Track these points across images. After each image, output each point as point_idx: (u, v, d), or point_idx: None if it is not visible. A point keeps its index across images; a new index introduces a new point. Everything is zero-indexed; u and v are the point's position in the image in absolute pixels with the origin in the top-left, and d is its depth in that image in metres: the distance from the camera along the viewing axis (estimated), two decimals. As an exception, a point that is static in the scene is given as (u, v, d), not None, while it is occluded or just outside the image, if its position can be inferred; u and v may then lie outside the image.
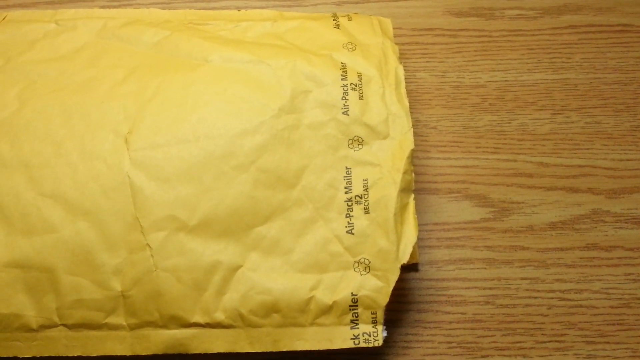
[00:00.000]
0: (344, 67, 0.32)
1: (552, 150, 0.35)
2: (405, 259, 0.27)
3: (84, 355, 0.26)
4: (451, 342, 0.29)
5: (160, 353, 0.26)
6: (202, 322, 0.27)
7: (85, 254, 0.27)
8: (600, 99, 0.36)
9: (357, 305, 0.27)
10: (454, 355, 0.29)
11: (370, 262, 0.28)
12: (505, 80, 0.37)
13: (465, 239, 0.32)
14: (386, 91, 0.31)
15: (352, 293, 0.27)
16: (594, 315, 0.30)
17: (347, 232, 0.28)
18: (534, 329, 0.30)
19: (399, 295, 0.30)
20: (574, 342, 0.29)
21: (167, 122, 0.30)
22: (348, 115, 0.30)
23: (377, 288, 0.27)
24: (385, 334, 0.27)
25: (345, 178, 0.29)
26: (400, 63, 0.32)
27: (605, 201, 0.33)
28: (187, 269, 0.27)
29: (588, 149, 0.35)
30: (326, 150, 0.30)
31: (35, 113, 0.30)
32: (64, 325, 0.27)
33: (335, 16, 0.36)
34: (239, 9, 0.40)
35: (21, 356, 0.27)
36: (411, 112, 0.36)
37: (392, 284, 0.27)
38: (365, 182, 0.29)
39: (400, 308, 0.30)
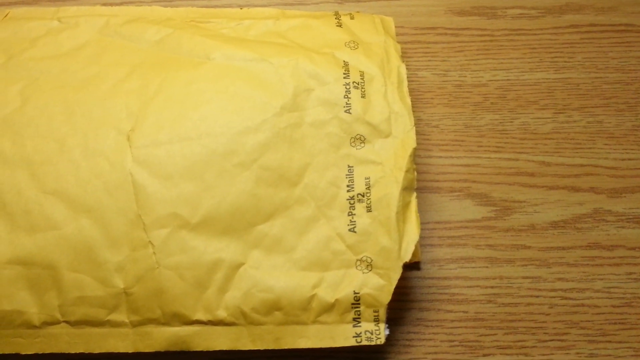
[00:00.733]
0: (346, 65, 0.32)
1: (554, 149, 0.34)
2: (407, 257, 0.27)
3: (87, 352, 0.26)
4: (453, 341, 0.29)
5: (162, 350, 0.26)
6: (204, 320, 0.27)
7: (87, 251, 0.27)
8: (602, 98, 0.36)
9: (359, 304, 0.27)
10: (456, 353, 0.29)
11: (372, 261, 0.28)
12: (507, 80, 0.37)
13: (467, 237, 0.32)
14: (388, 90, 0.31)
15: (354, 291, 0.27)
16: (596, 314, 0.30)
17: (349, 230, 0.28)
18: (536, 327, 0.30)
19: (401, 294, 0.30)
20: (576, 341, 0.29)
21: (170, 119, 0.30)
22: (350, 113, 0.30)
23: (379, 286, 0.27)
24: (387, 332, 0.26)
25: (348, 176, 0.29)
26: (403, 62, 0.32)
27: (607, 200, 0.33)
28: (189, 267, 0.27)
29: (590, 148, 0.35)
30: (328, 149, 0.30)
31: (38, 110, 0.30)
32: (66, 322, 0.27)
33: (337, 14, 0.36)
34: (241, 7, 0.40)
35: (23, 353, 0.26)
36: (413, 111, 0.36)
37: (395, 283, 0.27)
38: (368, 180, 0.29)
39: (402, 306, 0.30)
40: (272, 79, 0.31)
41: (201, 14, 0.37)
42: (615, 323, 0.30)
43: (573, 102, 0.36)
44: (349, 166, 0.29)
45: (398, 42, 0.38)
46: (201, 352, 0.29)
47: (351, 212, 0.28)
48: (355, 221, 0.28)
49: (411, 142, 0.30)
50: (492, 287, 0.30)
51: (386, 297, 0.27)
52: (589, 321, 0.30)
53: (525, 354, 0.29)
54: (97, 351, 0.26)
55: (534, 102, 0.36)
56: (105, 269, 0.27)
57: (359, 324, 0.27)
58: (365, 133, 0.30)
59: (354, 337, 0.27)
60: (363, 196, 0.29)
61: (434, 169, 0.34)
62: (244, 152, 0.29)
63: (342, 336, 0.27)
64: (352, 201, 0.29)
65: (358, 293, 0.27)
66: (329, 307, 0.27)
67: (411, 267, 0.31)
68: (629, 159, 0.34)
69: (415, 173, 0.29)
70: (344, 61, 0.32)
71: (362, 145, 0.30)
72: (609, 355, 0.29)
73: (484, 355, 0.29)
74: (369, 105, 0.30)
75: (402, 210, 0.28)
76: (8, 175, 0.28)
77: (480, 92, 0.36)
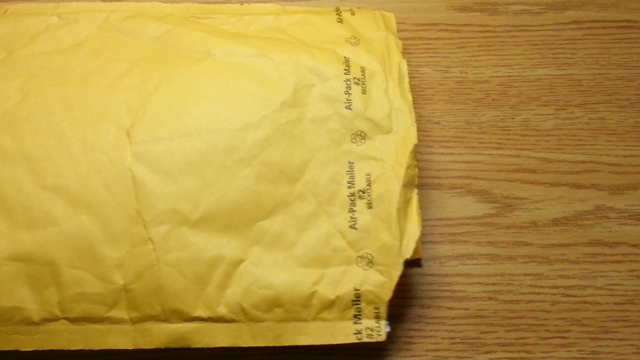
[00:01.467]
0: (347, 61, 0.31)
1: (555, 146, 0.34)
2: (408, 254, 0.27)
3: (86, 348, 0.26)
4: (454, 338, 0.29)
5: (162, 347, 0.26)
6: (205, 316, 0.27)
7: (87, 248, 0.27)
8: (604, 94, 0.36)
9: (359, 300, 0.27)
10: (457, 351, 0.29)
11: (373, 257, 0.27)
12: (509, 76, 0.37)
13: (468, 234, 0.32)
14: (389, 86, 0.31)
15: (354, 288, 0.27)
16: (598, 311, 0.30)
17: (350, 226, 0.28)
18: (538, 325, 0.29)
19: (402, 291, 0.30)
20: (578, 338, 0.29)
21: (169, 115, 0.29)
22: (351, 109, 0.30)
23: (380, 283, 0.27)
24: (388, 329, 0.26)
25: (348, 173, 0.29)
26: (404, 58, 0.32)
27: (608, 197, 0.33)
28: (189, 263, 0.27)
29: (592, 144, 0.35)
30: (329, 145, 0.29)
31: (37, 106, 0.30)
32: (66, 318, 0.26)
33: (338, 10, 0.35)
34: (241, 2, 0.39)
35: (23, 349, 0.26)
36: (414, 107, 0.36)
37: (396, 279, 0.27)
38: (369, 176, 0.29)
39: (403, 303, 0.30)
40: (273, 75, 0.31)
41: (201, 10, 0.37)
42: (617, 320, 0.30)
43: (575, 98, 0.36)
44: (349, 162, 0.29)
45: (399, 38, 0.38)
46: (201, 349, 0.29)
47: (352, 208, 0.28)
48: (356, 218, 0.28)
49: (412, 139, 0.29)
50: (493, 284, 0.30)
51: (387, 294, 0.27)
52: (591, 318, 0.30)
53: (527, 352, 0.29)
54: (96, 348, 0.26)
55: (536, 99, 0.36)
56: (105, 265, 0.27)
57: (359, 321, 0.27)
58: (366, 129, 0.30)
59: (354, 334, 0.26)
60: (364, 192, 0.29)
61: (435, 165, 0.34)
62: (244, 148, 0.29)
63: (343, 333, 0.26)
64: (352, 197, 0.28)
65: (359, 290, 0.27)
66: (330, 304, 0.27)
67: (412, 264, 0.31)
68: (631, 156, 0.34)
69: (417, 169, 0.29)
70: (344, 57, 0.32)
71: (363, 141, 0.30)
72: (611, 352, 0.29)
73: (486, 352, 0.28)
74: (369, 102, 0.30)
75: (403, 206, 0.28)
76: (8, 171, 0.28)
77: (482, 89, 0.36)
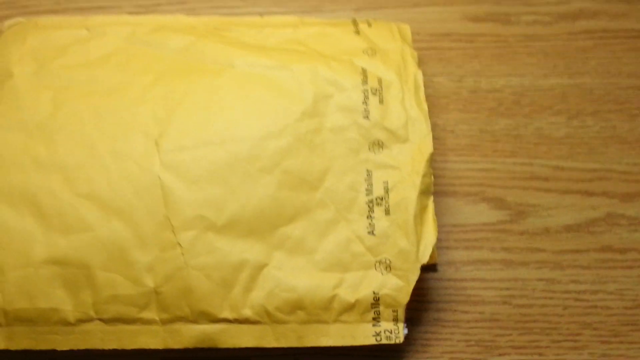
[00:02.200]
0: (364, 72, 0.32)
1: (567, 154, 0.35)
2: (425, 259, 0.28)
3: (119, 348, 0.27)
4: (469, 340, 0.30)
5: (191, 347, 0.28)
6: (230, 318, 0.28)
7: (119, 252, 0.28)
8: (616, 103, 0.37)
9: (378, 304, 0.28)
10: (472, 353, 0.30)
11: (391, 262, 0.28)
12: (522, 85, 0.38)
13: (482, 240, 0.33)
14: (405, 96, 0.32)
15: (373, 292, 0.28)
16: (609, 315, 0.31)
17: (368, 232, 0.29)
18: (550, 328, 0.30)
19: (418, 295, 0.31)
20: (589, 341, 0.30)
21: (195, 125, 0.31)
22: (369, 119, 0.31)
23: (398, 287, 0.28)
24: (406, 331, 0.27)
25: (366, 180, 0.30)
26: (419, 68, 0.33)
27: (619, 204, 0.34)
28: (215, 267, 0.28)
29: (603, 153, 0.35)
30: (347, 153, 0.30)
31: (69, 116, 0.31)
32: (100, 319, 0.28)
33: (355, 22, 0.36)
34: (261, 15, 0.41)
35: (59, 349, 0.28)
36: (429, 116, 0.37)
37: (413, 284, 0.28)
38: (386, 184, 0.30)
39: (419, 307, 0.31)
40: (293, 86, 0.32)
41: (222, 23, 0.38)
42: (627, 324, 0.31)
43: (586, 107, 0.37)
44: (367, 170, 0.30)
45: (414, 49, 0.39)
46: (226, 348, 0.30)
47: (370, 215, 0.29)
48: (374, 224, 0.29)
49: (428, 147, 0.30)
50: (507, 288, 0.31)
51: (405, 298, 0.28)
52: (602, 322, 0.31)
53: (540, 354, 0.30)
54: (129, 347, 0.27)
55: (548, 108, 0.37)
56: (136, 269, 0.28)
57: (378, 324, 0.28)
58: (383, 138, 0.31)
59: (373, 335, 0.27)
60: (381, 200, 0.30)
61: (449, 173, 0.35)
62: (266, 157, 0.30)
63: (363, 335, 0.28)
64: (370, 204, 0.30)
65: (377, 293, 0.28)
66: (350, 307, 0.28)
67: (428, 268, 0.32)
68: (642, 164, 0.35)
69: (432, 177, 0.30)
70: (362, 68, 0.33)
71: (381, 150, 0.31)
72: (621, 355, 0.30)
73: (500, 354, 0.30)
74: (386, 111, 0.31)
75: (420, 213, 0.29)
76: (43, 179, 0.30)
77: (495, 98, 0.37)
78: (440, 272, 0.32)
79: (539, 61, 0.39)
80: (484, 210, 0.33)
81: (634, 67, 0.38)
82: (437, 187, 0.34)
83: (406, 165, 0.30)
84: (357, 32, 0.36)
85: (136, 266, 0.28)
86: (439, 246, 0.33)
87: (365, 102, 0.31)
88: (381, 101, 0.32)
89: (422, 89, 0.32)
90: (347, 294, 0.28)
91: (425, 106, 0.32)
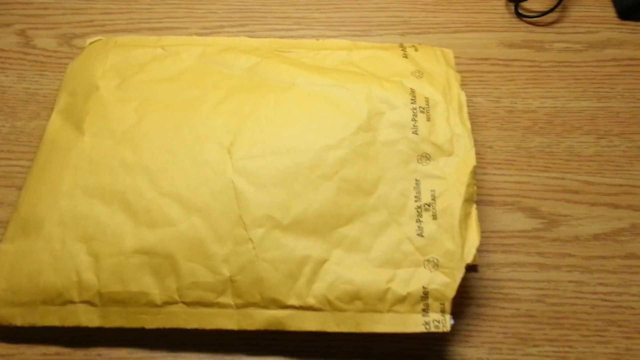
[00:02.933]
0: (412, 92, 0.36)
1: (596, 170, 0.38)
2: (469, 259, 0.31)
3: (199, 328, 0.31)
4: (507, 333, 0.33)
5: (262, 329, 0.31)
6: (297, 305, 0.31)
7: (198, 244, 0.32)
8: (641, 125, 0.40)
9: (427, 297, 0.31)
10: (510, 344, 0.33)
11: (438, 261, 0.32)
12: (554, 107, 0.41)
13: (518, 245, 0.36)
14: (450, 114, 0.35)
15: (423, 286, 0.31)
16: (632, 315, 0.34)
17: (418, 234, 0.32)
18: (579, 324, 0.33)
19: (461, 292, 0.34)
20: (614, 337, 0.33)
21: (262, 136, 0.34)
22: (417, 134, 0.34)
23: (445, 283, 0.31)
24: (452, 322, 0.30)
25: (415, 189, 0.33)
26: (462, 90, 0.36)
27: (644, 217, 0.37)
28: (282, 261, 0.31)
29: (628, 170, 0.38)
30: (398, 164, 0.34)
31: (151, 126, 0.35)
32: (183, 302, 0.31)
33: (402, 46, 0.40)
34: (317, 38, 0.45)
35: (147, 327, 0.31)
36: (469, 133, 0.40)
37: (458, 280, 0.31)
38: (433, 192, 0.33)
39: (462, 302, 0.34)
40: (349, 103, 0.35)
41: (283, 45, 0.42)
42: (650, 324, 0.34)
43: (613, 128, 0.40)
44: (416, 180, 0.33)
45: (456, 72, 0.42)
46: (292, 332, 0.33)
47: (419, 219, 0.33)
48: (422, 227, 0.32)
49: (472, 161, 0.33)
50: (541, 288, 0.34)
51: (451, 293, 0.31)
52: (626, 320, 0.33)
53: (570, 347, 0.33)
54: (208, 327, 0.31)
55: (579, 128, 0.40)
56: (214, 260, 0.32)
57: (427, 314, 0.31)
58: (430, 152, 0.34)
59: (423, 325, 0.30)
60: (429, 206, 0.33)
61: (488, 184, 0.38)
62: (326, 166, 0.33)
63: (413, 324, 0.31)
64: (419, 210, 0.33)
65: (426, 288, 0.31)
66: (402, 299, 0.31)
67: (470, 269, 0.35)
68: (665, 181, 0.38)
69: (475, 187, 0.33)
70: (410, 88, 0.36)
71: (428, 162, 0.34)
72: (644, 351, 0.33)
73: (534, 346, 0.33)
74: (433, 128, 0.35)
75: (464, 219, 0.32)
76: (131, 180, 0.33)
77: (530, 118, 0.41)
78: (481, 272, 0.35)
79: (570, 85, 0.42)
80: (519, 218, 0.37)
81: (658, 93, 0.41)
82: (477, 196, 0.37)
83: (451, 176, 0.33)
84: (405, 55, 0.39)
85: (214, 257, 0.32)
86: (479, 250, 0.36)
87: (414, 119, 0.35)
88: (428, 119, 0.35)
89: (465, 108, 0.36)
90: (399, 288, 0.31)
91: (468, 124, 0.35)
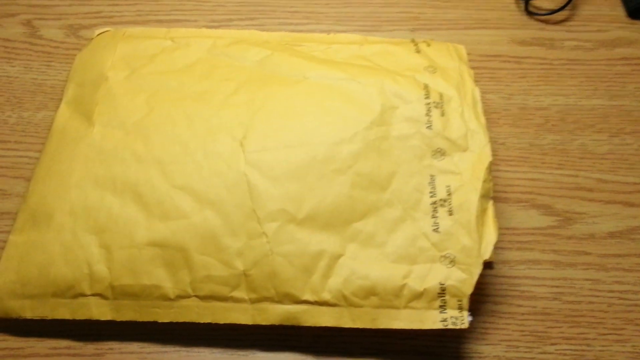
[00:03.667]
0: (426, 87, 0.35)
1: (609, 168, 0.38)
2: (487, 255, 0.31)
3: (213, 322, 0.30)
4: (524, 331, 0.33)
5: (276, 324, 0.31)
6: (312, 300, 0.31)
7: (212, 238, 0.31)
8: (653, 124, 0.40)
9: (444, 293, 0.31)
10: (526, 342, 0.32)
11: (455, 257, 0.31)
12: (566, 105, 0.41)
13: (533, 242, 0.36)
14: (465, 110, 0.35)
15: (440, 283, 0.31)
16: (649, 313, 0.34)
17: (433, 230, 0.32)
18: (596, 322, 0.33)
19: (477, 289, 0.34)
20: (632, 335, 0.33)
21: (274, 129, 0.34)
22: (431, 129, 0.34)
23: (462, 279, 0.30)
24: (470, 318, 0.30)
25: (430, 184, 0.33)
26: (476, 85, 0.36)
27: (658, 215, 0.37)
28: (297, 255, 0.31)
29: (642, 168, 0.39)
30: (412, 159, 0.33)
31: (163, 118, 0.35)
32: (196, 296, 0.31)
33: (414, 42, 0.40)
34: (328, 32, 0.44)
35: (160, 321, 0.31)
36: (482, 130, 0.39)
37: (476, 277, 0.30)
38: (448, 188, 0.33)
39: (478, 300, 0.34)
40: (362, 97, 0.35)
41: (294, 38, 0.42)
42: (665, 323, 0.34)
43: (626, 127, 0.40)
44: (431, 175, 0.33)
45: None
46: (306, 327, 0.33)
47: (434, 215, 0.32)
48: (438, 223, 0.32)
49: (487, 156, 0.33)
50: (557, 286, 0.34)
51: (469, 289, 0.30)
52: (644, 319, 0.33)
53: (587, 345, 0.32)
54: (222, 322, 0.30)
55: (591, 126, 0.40)
56: (228, 254, 0.31)
57: (444, 311, 0.30)
58: (445, 147, 0.34)
59: (441, 321, 0.30)
60: (445, 201, 0.32)
61: (502, 181, 0.38)
62: (340, 160, 0.33)
63: (430, 320, 0.30)
64: (434, 205, 0.32)
65: (443, 284, 0.31)
66: (418, 295, 0.31)
67: (485, 266, 0.35)
68: (678, 179, 0.38)
69: (492, 183, 0.33)
70: (424, 84, 0.36)
71: (443, 157, 0.34)
72: (661, 350, 0.33)
73: (552, 344, 0.32)
74: (447, 123, 0.34)
75: (481, 214, 0.32)
76: (143, 172, 0.33)
77: (542, 115, 0.40)
78: (496, 269, 0.35)
79: (582, 83, 0.42)
80: (534, 215, 0.36)
81: (669, 92, 0.41)
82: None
83: (467, 172, 0.33)
84: (418, 51, 0.39)
85: (227, 251, 0.31)
86: (494, 247, 0.35)
87: (428, 114, 0.34)
88: (442, 114, 0.35)
89: (479, 104, 0.35)
90: (416, 284, 0.31)
91: (483, 119, 0.35)
